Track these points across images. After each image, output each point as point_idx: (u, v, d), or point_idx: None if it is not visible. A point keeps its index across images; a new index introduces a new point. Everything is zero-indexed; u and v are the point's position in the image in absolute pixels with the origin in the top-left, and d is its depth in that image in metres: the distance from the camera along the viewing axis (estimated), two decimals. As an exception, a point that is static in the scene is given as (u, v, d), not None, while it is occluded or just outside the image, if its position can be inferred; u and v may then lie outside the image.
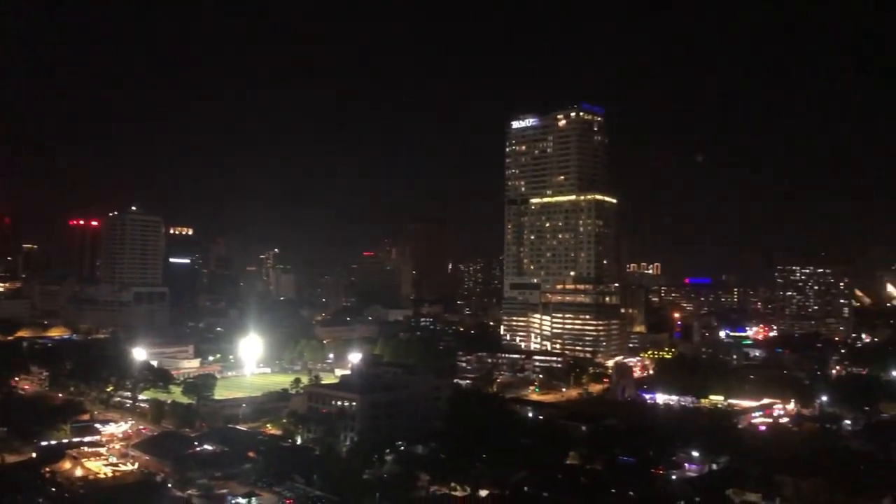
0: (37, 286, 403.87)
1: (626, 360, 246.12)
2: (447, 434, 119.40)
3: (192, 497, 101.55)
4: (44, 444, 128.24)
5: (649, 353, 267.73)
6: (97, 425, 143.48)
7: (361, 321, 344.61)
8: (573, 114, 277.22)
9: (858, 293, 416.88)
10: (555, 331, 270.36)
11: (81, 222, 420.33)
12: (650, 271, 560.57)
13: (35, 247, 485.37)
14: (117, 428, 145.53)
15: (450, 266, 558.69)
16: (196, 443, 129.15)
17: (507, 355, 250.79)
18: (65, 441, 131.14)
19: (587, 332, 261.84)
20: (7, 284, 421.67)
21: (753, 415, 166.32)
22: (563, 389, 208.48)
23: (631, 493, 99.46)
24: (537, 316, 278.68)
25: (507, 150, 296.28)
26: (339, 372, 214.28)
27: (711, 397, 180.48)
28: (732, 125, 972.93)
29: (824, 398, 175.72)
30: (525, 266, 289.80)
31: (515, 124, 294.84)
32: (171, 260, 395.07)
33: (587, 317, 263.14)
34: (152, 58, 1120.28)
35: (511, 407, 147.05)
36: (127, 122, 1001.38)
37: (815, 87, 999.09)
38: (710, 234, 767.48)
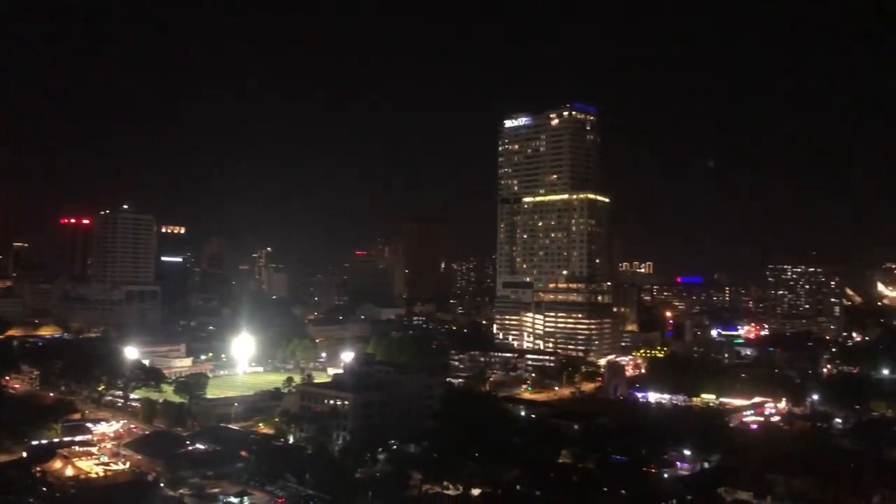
0: (28, 285, 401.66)
1: (618, 359, 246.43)
2: (439, 433, 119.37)
3: (184, 496, 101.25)
4: (34, 443, 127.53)
5: (641, 351, 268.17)
6: (88, 424, 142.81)
7: (354, 320, 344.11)
8: (566, 113, 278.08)
9: (849, 292, 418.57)
10: (547, 329, 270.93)
11: (73, 221, 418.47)
12: (642, 270, 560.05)
13: (26, 245, 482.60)
14: (109, 427, 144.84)
15: (443, 265, 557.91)
16: (188, 442, 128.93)
17: (499, 354, 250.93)
18: (56, 440, 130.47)
19: (579, 331, 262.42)
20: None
21: (745, 413, 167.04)
22: (556, 388, 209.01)
23: (623, 491, 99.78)
24: (530, 315, 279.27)
25: (500, 149, 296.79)
26: (331, 371, 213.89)
27: (703, 396, 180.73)
28: (725, 124, 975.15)
29: (815, 397, 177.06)
30: (518, 265, 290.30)
31: (508, 123, 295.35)
32: (163, 258, 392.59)
33: (579, 315, 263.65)
34: (148, 57, 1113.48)
35: (503, 406, 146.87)
36: (119, 121, 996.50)
37: (813, 87, 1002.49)
38: (702, 232, 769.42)
